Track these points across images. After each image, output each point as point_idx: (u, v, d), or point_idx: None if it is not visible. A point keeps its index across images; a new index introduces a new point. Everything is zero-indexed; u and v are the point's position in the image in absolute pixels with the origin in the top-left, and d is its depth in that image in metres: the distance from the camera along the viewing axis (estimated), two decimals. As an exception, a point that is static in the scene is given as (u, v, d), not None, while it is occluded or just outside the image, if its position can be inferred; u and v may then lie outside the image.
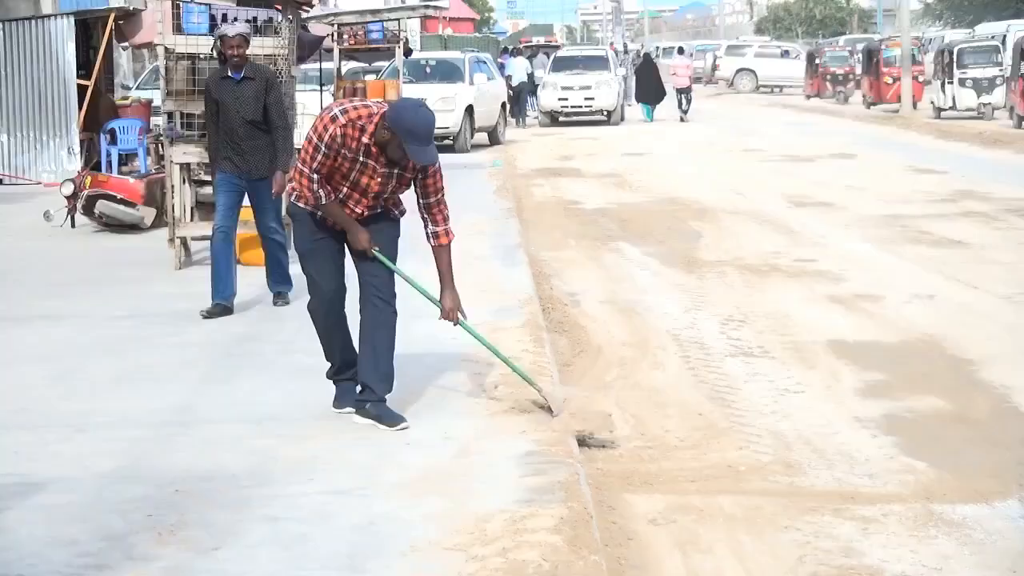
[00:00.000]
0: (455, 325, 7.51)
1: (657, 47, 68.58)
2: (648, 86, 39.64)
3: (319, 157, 6.99)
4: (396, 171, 7.09)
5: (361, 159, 7.02)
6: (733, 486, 6.73)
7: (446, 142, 26.44)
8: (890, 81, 40.04)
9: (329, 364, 7.67)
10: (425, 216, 7.29)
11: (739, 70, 59.04)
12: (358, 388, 7.43)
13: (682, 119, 38.85)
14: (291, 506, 5.98)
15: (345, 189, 7.14)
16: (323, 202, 7.12)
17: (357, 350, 7.46)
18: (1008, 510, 6.34)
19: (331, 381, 7.67)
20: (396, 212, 7.44)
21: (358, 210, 7.22)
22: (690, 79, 40.43)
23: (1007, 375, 8.75)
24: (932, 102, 36.20)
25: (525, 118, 38.30)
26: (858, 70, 45.70)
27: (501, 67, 37.08)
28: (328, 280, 7.37)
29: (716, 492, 6.63)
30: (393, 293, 7.34)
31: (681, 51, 45.49)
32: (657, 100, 39.55)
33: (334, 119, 6.97)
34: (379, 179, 7.10)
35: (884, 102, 40.09)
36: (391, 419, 7.24)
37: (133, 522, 5.80)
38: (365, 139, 6.97)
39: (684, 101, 39.36)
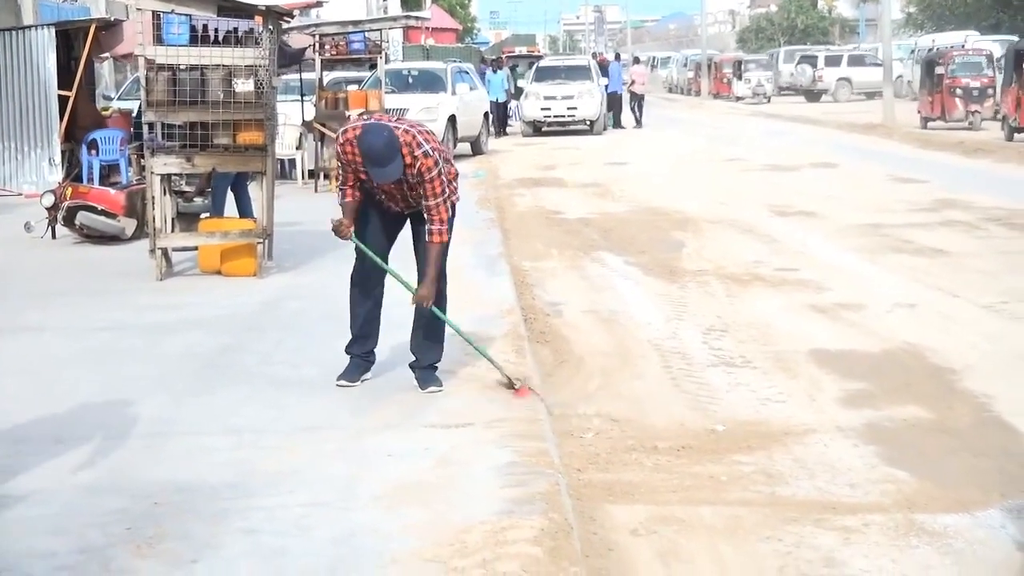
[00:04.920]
0: (424, 307, 8.09)
1: (654, 57, 68.75)
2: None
3: (341, 172, 8.06)
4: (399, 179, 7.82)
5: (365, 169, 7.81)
6: (714, 496, 6.71)
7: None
8: None
9: (350, 334, 8.41)
10: (425, 216, 7.95)
11: (839, 79, 56.25)
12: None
13: (621, 125, 40.69)
14: (270, 518, 5.95)
15: (377, 194, 8.05)
16: (340, 202, 8.12)
17: (375, 327, 8.36)
18: (989, 519, 6.33)
19: (346, 353, 8.42)
20: None
21: (396, 208, 8.11)
22: (644, 86, 42.82)
23: (988, 384, 8.75)
24: None
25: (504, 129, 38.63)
26: (999, 82, 32.83)
27: (482, 76, 37.00)
28: (369, 247, 8.18)
29: (697, 502, 6.61)
30: (443, 275, 8.24)
31: (637, 60, 46.82)
32: (612, 108, 41.10)
33: (337, 138, 8.04)
34: (392, 185, 7.88)
35: None
36: (424, 382, 8.21)
37: (112, 535, 5.76)
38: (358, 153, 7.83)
39: (637, 108, 41.47)
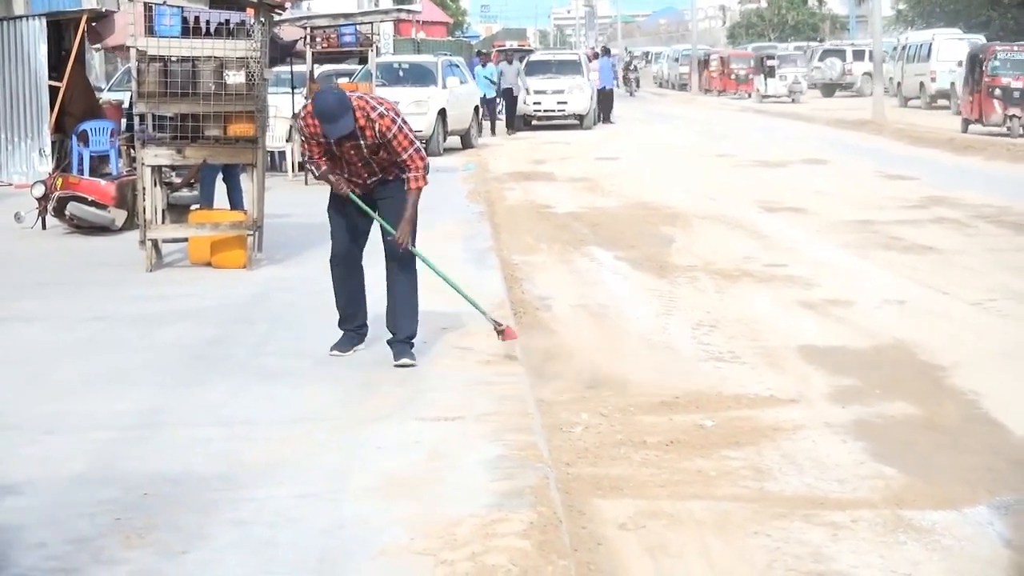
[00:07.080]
0: (402, 248, 8.48)
1: (648, 52, 68.56)
2: None
3: (306, 146, 8.53)
4: (357, 142, 8.24)
5: (328, 140, 8.25)
6: (703, 491, 6.72)
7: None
8: None
9: (338, 314, 8.91)
10: (401, 170, 8.43)
11: (864, 74, 54.77)
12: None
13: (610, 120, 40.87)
14: (260, 510, 5.96)
15: (340, 167, 8.43)
16: (317, 173, 8.56)
17: (360, 306, 8.86)
18: (977, 516, 6.35)
19: (339, 328, 8.90)
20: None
21: (359, 181, 8.49)
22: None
23: (977, 381, 8.77)
24: None
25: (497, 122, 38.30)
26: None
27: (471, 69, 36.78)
28: (340, 237, 8.71)
29: (686, 497, 6.62)
30: (411, 253, 8.60)
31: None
32: (601, 103, 41.12)
33: (299, 115, 8.65)
34: (352, 151, 8.30)
35: None
36: (398, 356, 8.58)
37: (101, 525, 5.77)
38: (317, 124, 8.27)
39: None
